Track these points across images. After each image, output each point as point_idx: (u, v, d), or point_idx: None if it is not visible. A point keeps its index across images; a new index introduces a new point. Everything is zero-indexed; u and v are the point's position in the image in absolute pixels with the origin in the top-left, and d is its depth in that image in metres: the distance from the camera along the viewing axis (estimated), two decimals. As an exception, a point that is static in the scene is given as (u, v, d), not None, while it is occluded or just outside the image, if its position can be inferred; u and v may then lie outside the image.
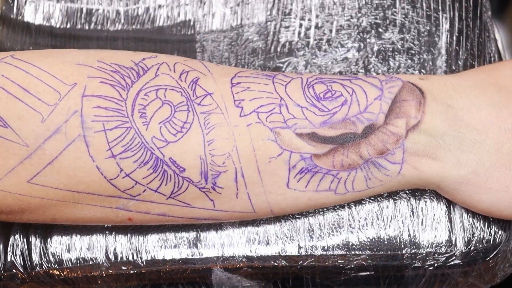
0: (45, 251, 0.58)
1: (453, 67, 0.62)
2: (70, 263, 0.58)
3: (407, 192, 0.58)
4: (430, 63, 0.62)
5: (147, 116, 0.51)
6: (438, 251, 0.57)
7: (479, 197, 0.53)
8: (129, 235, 0.58)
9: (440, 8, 0.64)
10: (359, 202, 0.58)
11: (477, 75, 0.56)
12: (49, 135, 0.50)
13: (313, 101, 0.53)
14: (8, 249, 0.58)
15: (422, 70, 0.62)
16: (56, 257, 0.58)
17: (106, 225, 0.58)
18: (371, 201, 0.58)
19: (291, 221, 0.58)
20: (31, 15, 0.67)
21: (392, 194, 0.58)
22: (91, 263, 0.58)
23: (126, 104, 0.51)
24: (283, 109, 0.52)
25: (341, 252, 0.57)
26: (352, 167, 0.52)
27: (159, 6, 0.66)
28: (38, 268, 0.58)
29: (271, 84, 0.53)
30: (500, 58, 0.66)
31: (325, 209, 0.58)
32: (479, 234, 0.57)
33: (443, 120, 0.52)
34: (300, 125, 0.52)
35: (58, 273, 0.58)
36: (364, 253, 0.57)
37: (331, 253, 0.57)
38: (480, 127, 0.53)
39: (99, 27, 0.66)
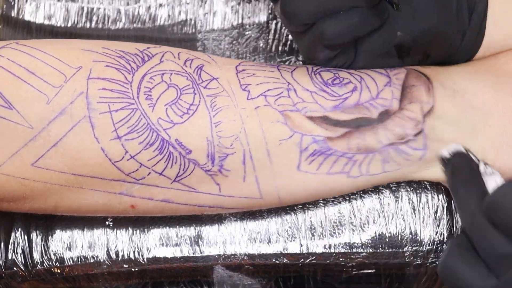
0: (46, 249, 0.58)
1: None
2: (71, 261, 0.58)
3: (409, 189, 0.58)
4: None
5: (153, 98, 0.51)
6: (439, 248, 0.57)
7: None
8: (130, 233, 0.58)
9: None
10: (360, 200, 0.58)
11: (477, 63, 0.56)
12: (54, 117, 0.50)
13: (322, 86, 0.52)
14: (9, 247, 0.58)
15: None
16: (57, 255, 0.58)
17: (108, 223, 0.58)
18: (373, 198, 0.58)
19: (293, 219, 0.58)
20: (32, 14, 0.67)
21: (394, 192, 0.58)
22: (92, 261, 0.58)
23: (131, 87, 0.51)
24: (292, 93, 0.52)
25: (342, 250, 0.57)
26: (370, 150, 0.51)
27: (160, 5, 0.66)
28: (39, 266, 0.58)
29: (276, 71, 0.53)
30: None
31: (326, 206, 0.58)
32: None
33: (453, 105, 0.53)
34: (310, 108, 0.52)
35: (59, 271, 0.58)
36: (365, 251, 0.57)
37: (333, 251, 0.57)
38: (486, 109, 0.53)
39: (100, 26, 0.66)
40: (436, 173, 0.53)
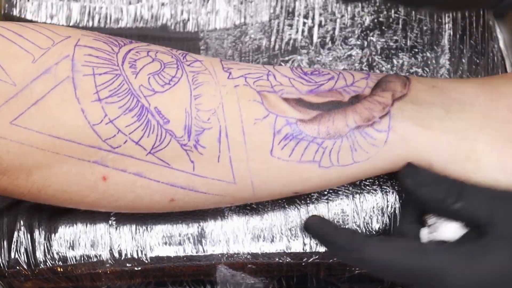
0: (49, 248, 0.58)
1: (458, 66, 0.62)
2: (74, 260, 0.58)
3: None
4: (434, 61, 0.63)
5: (137, 67, 0.52)
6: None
7: (472, 168, 0.52)
8: (133, 232, 0.58)
9: (443, 6, 0.64)
10: (363, 197, 0.58)
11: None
12: (38, 75, 0.50)
13: (300, 74, 0.54)
14: (12, 246, 0.58)
15: (426, 68, 0.62)
16: (60, 254, 0.58)
17: (111, 222, 0.58)
18: (376, 196, 0.58)
19: (296, 218, 0.58)
20: (34, 13, 0.67)
21: (399, 192, 0.58)
22: (95, 260, 0.58)
23: (117, 56, 0.52)
24: (271, 77, 0.53)
25: (345, 249, 0.57)
26: (338, 135, 0.52)
27: (163, 4, 0.66)
28: (42, 265, 0.58)
29: (260, 65, 0.55)
30: (502, 58, 0.66)
31: (329, 205, 0.58)
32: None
33: (428, 95, 0.53)
34: (286, 91, 0.53)
35: (62, 270, 0.58)
36: (368, 250, 0.57)
37: (336, 250, 0.57)
38: (466, 100, 0.53)
39: (102, 25, 0.66)
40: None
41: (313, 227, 0.53)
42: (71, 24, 0.66)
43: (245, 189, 0.53)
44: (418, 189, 0.51)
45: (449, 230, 0.52)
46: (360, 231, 0.58)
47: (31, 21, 0.66)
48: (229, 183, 0.53)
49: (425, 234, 0.53)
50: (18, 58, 0.50)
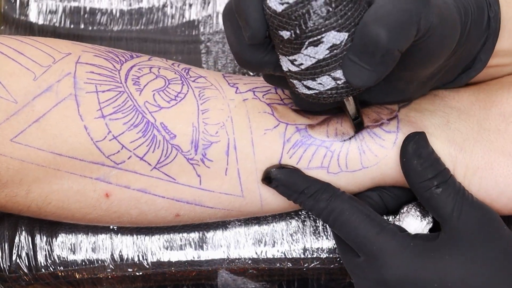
0: (50, 252, 0.58)
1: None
2: (75, 265, 0.58)
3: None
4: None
5: (141, 84, 0.51)
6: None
7: (469, 180, 0.52)
8: (134, 236, 0.58)
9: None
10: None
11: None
12: (39, 93, 0.50)
13: None
14: (13, 251, 0.58)
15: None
16: (62, 259, 0.58)
17: (112, 227, 0.58)
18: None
19: (297, 223, 0.58)
20: (34, 15, 0.66)
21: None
22: (96, 264, 0.58)
23: (119, 74, 0.51)
24: (279, 91, 0.53)
25: (346, 254, 0.58)
26: (346, 135, 0.52)
27: (163, 6, 0.66)
28: (43, 270, 0.58)
29: (262, 79, 0.54)
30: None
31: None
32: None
33: (430, 103, 0.53)
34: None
35: (63, 274, 0.58)
36: (369, 255, 0.57)
37: (337, 256, 0.58)
38: (462, 108, 0.53)
39: (102, 27, 0.66)
40: None
41: (280, 176, 0.51)
42: (71, 26, 0.66)
43: (253, 202, 0.53)
44: (412, 157, 0.50)
45: (413, 224, 0.52)
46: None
47: (31, 23, 0.66)
48: (237, 197, 0.52)
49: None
50: (19, 76, 0.50)
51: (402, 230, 0.51)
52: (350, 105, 0.49)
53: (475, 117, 0.53)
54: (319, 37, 0.42)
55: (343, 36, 0.43)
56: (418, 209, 0.53)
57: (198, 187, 0.52)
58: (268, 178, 0.51)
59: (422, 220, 0.53)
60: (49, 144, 0.50)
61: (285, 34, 0.43)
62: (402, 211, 0.54)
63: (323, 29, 0.42)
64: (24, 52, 0.51)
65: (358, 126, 0.51)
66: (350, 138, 0.52)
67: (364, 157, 0.52)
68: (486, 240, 0.49)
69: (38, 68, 0.50)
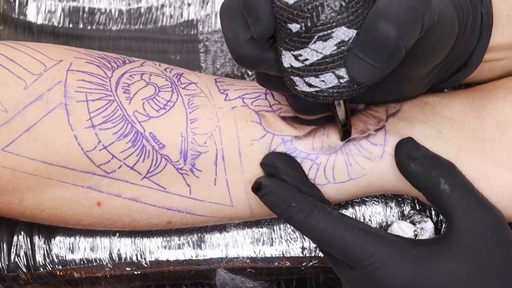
0: (48, 252, 0.58)
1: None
2: (73, 264, 0.58)
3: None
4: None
5: (131, 92, 0.51)
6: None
7: None
8: (133, 236, 0.58)
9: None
10: (363, 203, 0.58)
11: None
12: (30, 102, 0.50)
13: None
14: (12, 250, 0.58)
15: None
16: (60, 258, 0.58)
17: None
18: (375, 202, 0.58)
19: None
20: (33, 15, 0.66)
21: (397, 195, 0.58)
22: (95, 264, 0.58)
23: (110, 81, 0.51)
24: (269, 96, 0.53)
25: (344, 253, 0.57)
26: (332, 148, 0.52)
27: (162, 6, 0.66)
28: (41, 269, 0.58)
29: (256, 84, 0.54)
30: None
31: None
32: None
33: (421, 112, 0.53)
34: (284, 109, 0.53)
35: (62, 274, 0.58)
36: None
37: (335, 254, 0.58)
38: (455, 117, 0.53)
39: (101, 27, 0.66)
40: (399, 184, 0.53)
41: (269, 184, 0.49)
42: (70, 26, 0.66)
43: (243, 211, 0.53)
44: (407, 161, 0.49)
45: (405, 229, 0.52)
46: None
47: (30, 22, 0.66)
48: (227, 206, 0.53)
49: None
50: (9, 85, 0.50)
51: (399, 237, 0.50)
52: (341, 110, 0.49)
53: (469, 126, 0.53)
54: (329, 31, 0.42)
55: (352, 33, 0.42)
56: (408, 220, 0.54)
57: (188, 196, 0.52)
58: (257, 187, 0.50)
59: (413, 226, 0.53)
60: (41, 153, 0.50)
61: (295, 27, 0.42)
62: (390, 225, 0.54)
63: (334, 24, 0.42)
64: (16, 59, 0.51)
65: (345, 134, 0.51)
66: (336, 151, 0.52)
67: (351, 169, 0.52)
68: (495, 243, 0.49)
69: (29, 76, 0.50)
